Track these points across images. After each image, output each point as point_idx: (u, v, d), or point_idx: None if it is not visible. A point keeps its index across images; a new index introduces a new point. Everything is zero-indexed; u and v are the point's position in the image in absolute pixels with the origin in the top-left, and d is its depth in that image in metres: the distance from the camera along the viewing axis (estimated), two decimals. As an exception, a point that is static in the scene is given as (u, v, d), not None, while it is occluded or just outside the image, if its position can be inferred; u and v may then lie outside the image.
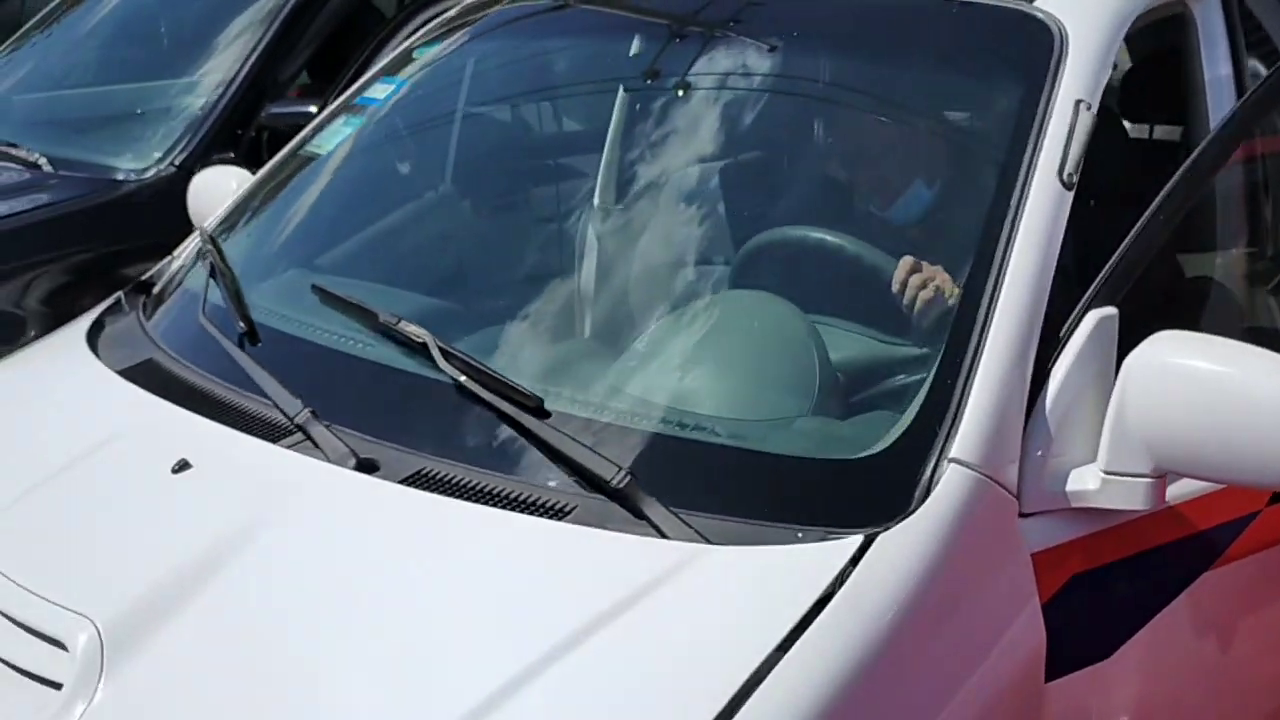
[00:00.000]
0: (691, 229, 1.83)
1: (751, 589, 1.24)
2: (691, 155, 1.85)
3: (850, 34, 1.92)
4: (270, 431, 1.56)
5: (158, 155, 3.15)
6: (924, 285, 1.68)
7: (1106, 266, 1.49)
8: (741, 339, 1.68)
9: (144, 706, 1.24)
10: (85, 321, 2.14)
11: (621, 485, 1.34)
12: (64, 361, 1.99)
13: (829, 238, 1.81)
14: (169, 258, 2.32)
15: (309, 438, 1.53)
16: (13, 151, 3.19)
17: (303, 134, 2.44)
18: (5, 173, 3.13)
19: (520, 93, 2.29)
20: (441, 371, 1.55)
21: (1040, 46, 1.65)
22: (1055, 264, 1.48)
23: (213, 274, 1.96)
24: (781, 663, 1.17)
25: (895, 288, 1.70)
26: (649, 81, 2.04)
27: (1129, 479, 1.40)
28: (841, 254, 1.82)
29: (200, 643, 1.28)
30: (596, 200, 2.09)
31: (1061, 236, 1.50)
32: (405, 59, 2.45)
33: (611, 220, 1.98)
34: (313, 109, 3.23)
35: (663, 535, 1.30)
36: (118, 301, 2.20)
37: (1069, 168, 1.54)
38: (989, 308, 1.44)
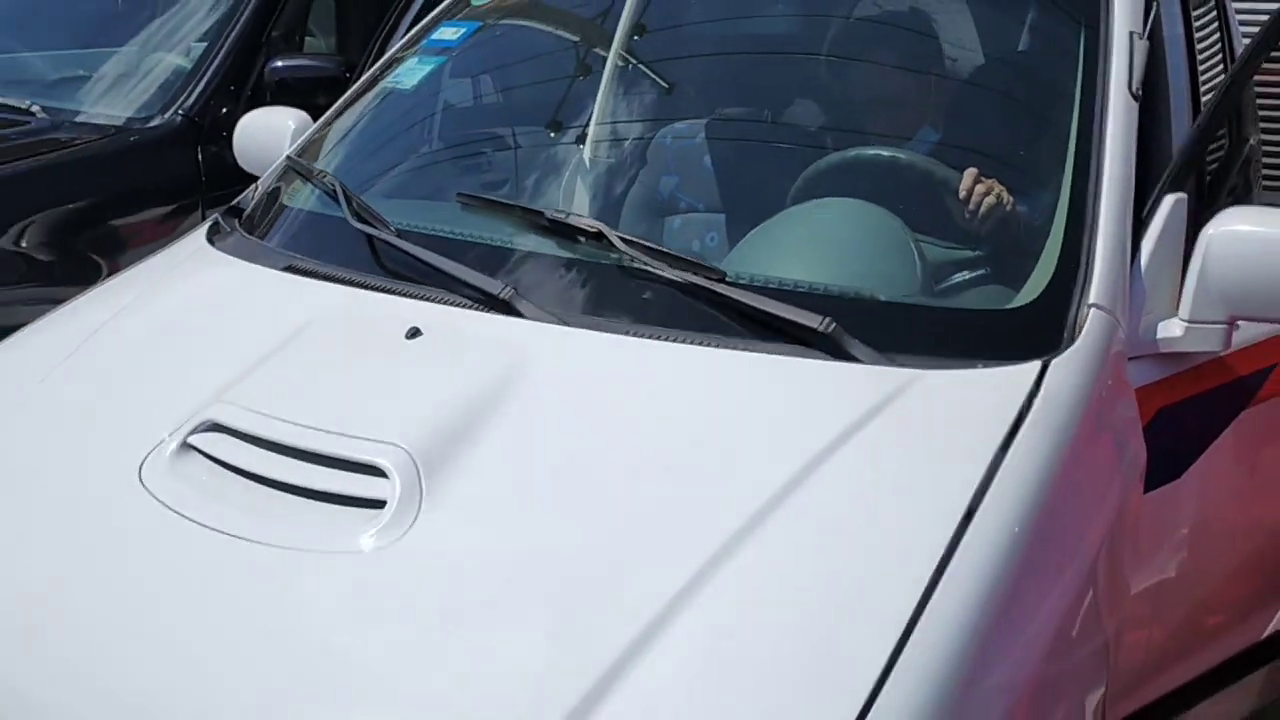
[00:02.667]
0: (802, 139, 2.11)
1: (965, 405, 1.51)
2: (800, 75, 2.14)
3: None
4: (480, 306, 1.73)
5: (160, 106, 3.21)
6: (989, 192, 2.00)
7: (1174, 161, 1.85)
8: (854, 224, 1.95)
9: (465, 516, 1.42)
10: (195, 242, 2.23)
11: (829, 330, 1.59)
12: (198, 272, 2.09)
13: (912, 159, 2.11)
14: (253, 186, 2.43)
15: (516, 311, 1.72)
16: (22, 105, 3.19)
17: (370, 73, 2.58)
18: (19, 125, 3.13)
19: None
20: (621, 253, 1.76)
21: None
22: (1135, 157, 1.82)
23: (332, 190, 2.10)
24: (1004, 461, 1.44)
25: (962, 195, 2.01)
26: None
27: (1206, 326, 1.75)
28: (914, 169, 2.13)
29: (501, 464, 1.46)
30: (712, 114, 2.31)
31: (1136, 137, 1.85)
32: (463, 4, 2.64)
33: (726, 132, 2.23)
34: (317, 63, 3.35)
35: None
36: (215, 224, 2.30)
37: (1135, 85, 1.89)
38: (1096, 192, 1.76)
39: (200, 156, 3.15)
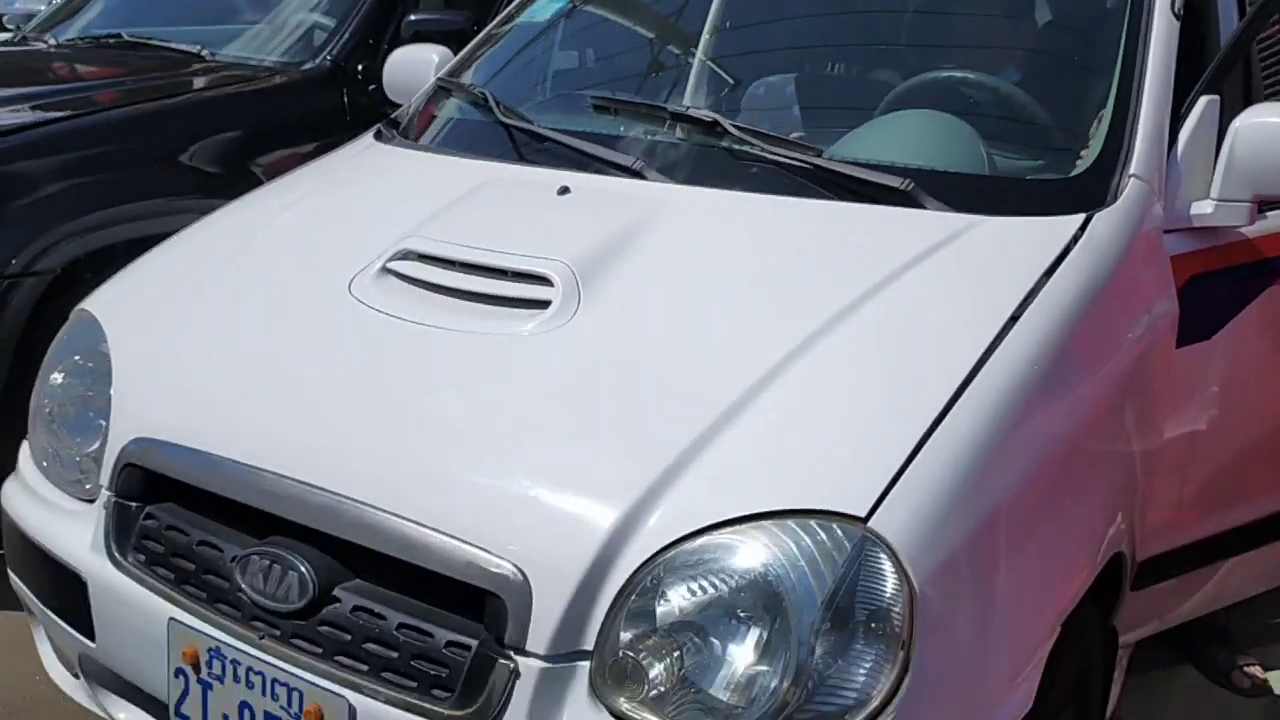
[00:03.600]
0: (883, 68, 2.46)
1: (1016, 243, 1.85)
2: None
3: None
4: (617, 173, 2.10)
5: (311, 53, 3.65)
6: None
7: (1209, 68, 2.15)
8: (930, 128, 2.28)
9: (613, 313, 1.79)
10: (364, 142, 2.62)
11: (908, 189, 1.93)
12: (377, 157, 2.48)
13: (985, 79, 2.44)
14: (405, 106, 2.82)
15: (645, 177, 2.09)
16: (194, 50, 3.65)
17: (507, 10, 2.98)
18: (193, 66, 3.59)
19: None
20: (735, 138, 2.12)
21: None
22: (1175, 65, 2.13)
23: (482, 99, 2.48)
24: (1046, 286, 1.77)
25: None
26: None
27: (1234, 204, 2.05)
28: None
29: (639, 278, 1.84)
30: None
31: (1176, 49, 2.16)
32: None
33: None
34: (447, 17, 3.77)
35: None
36: (378, 132, 2.70)
37: (1177, 6, 2.20)
38: (1139, 93, 2.07)
39: (345, 97, 3.58)
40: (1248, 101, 2.29)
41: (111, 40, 3.86)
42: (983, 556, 1.49)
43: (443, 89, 2.73)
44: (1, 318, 2.79)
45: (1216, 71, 2.18)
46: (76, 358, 2.07)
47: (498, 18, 3.01)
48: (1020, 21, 2.45)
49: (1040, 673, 1.62)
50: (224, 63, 3.61)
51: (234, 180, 3.27)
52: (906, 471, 1.45)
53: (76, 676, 2.08)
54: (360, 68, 3.63)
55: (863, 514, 1.41)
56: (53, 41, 3.97)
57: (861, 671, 1.38)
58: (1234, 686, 2.95)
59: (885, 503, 1.42)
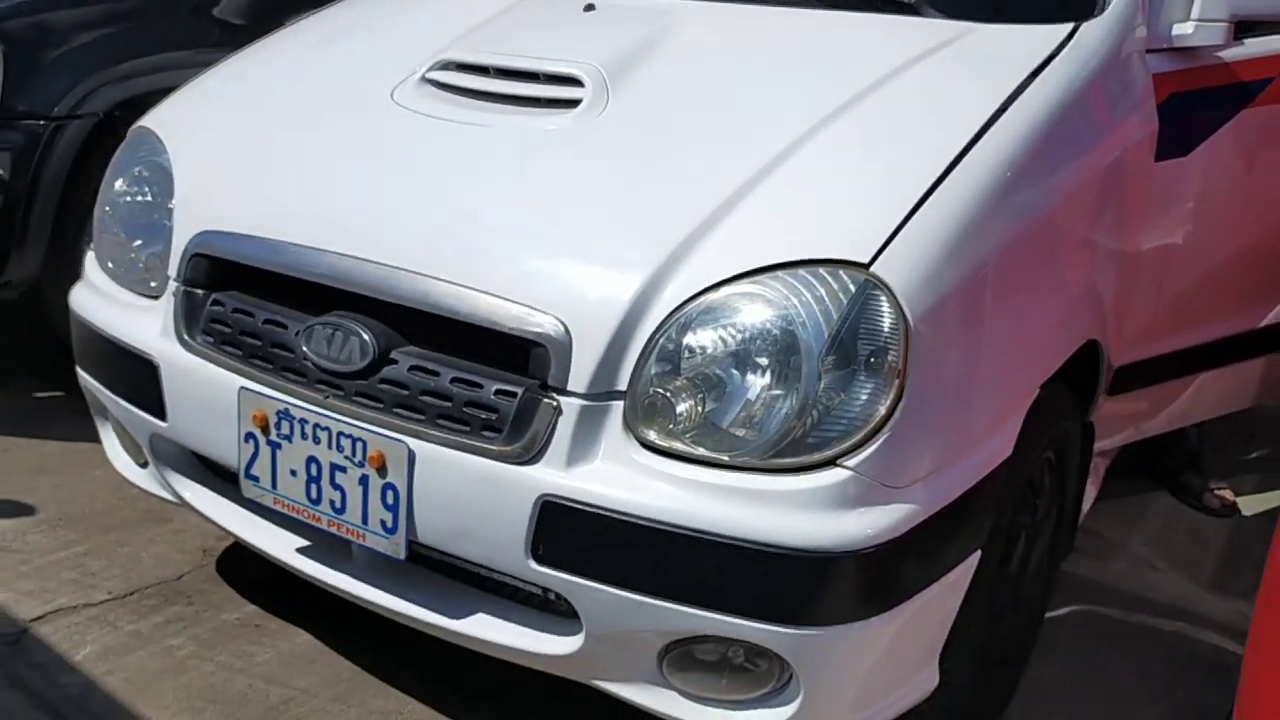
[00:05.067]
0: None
1: (1009, 45, 2.01)
2: None
3: None
4: (638, -2, 2.26)
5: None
6: None
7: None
8: None
9: (641, 107, 1.96)
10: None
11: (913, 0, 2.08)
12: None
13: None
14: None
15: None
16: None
17: None
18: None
19: None
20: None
21: None
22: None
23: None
24: (1035, 81, 1.92)
25: None
26: None
27: (1212, 24, 2.20)
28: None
29: (665, 77, 2.01)
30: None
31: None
32: None
33: None
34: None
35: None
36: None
37: None
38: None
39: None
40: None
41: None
42: (972, 304, 1.67)
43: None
44: (50, 157, 2.95)
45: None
46: (137, 169, 2.23)
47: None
48: None
49: (1018, 426, 1.81)
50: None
51: (258, 33, 3.39)
52: (905, 227, 1.63)
53: (143, 466, 2.28)
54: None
55: (866, 260, 1.60)
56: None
57: (861, 398, 1.58)
58: (1205, 508, 3.18)
59: (886, 252, 1.60)
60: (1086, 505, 2.51)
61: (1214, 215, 2.43)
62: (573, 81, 1.99)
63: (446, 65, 2.11)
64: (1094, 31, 2.05)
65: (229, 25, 3.37)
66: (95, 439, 2.42)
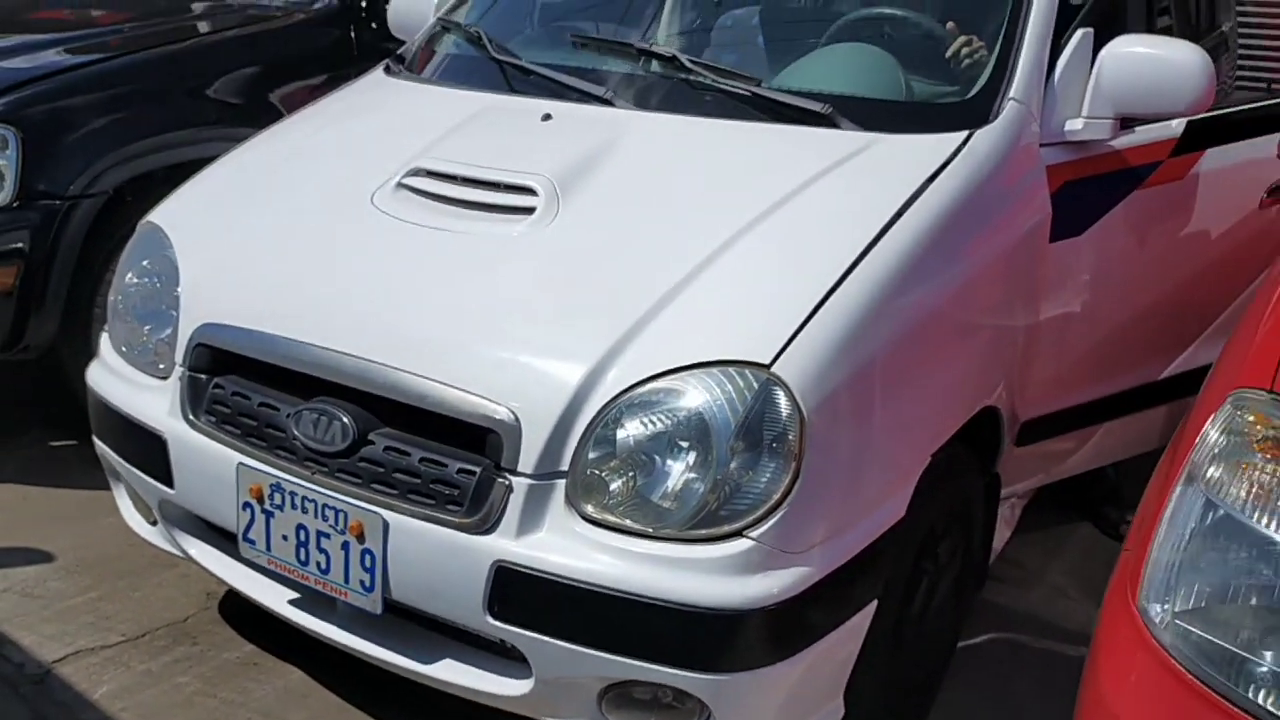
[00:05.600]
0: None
1: (908, 154, 2.30)
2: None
3: None
4: (591, 102, 2.53)
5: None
6: (974, 50, 2.70)
7: (1086, 5, 2.54)
8: (858, 60, 2.69)
9: (587, 218, 2.24)
10: (376, 76, 3.03)
11: (827, 112, 2.36)
12: (389, 90, 2.90)
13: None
14: (410, 42, 3.22)
15: (615, 105, 2.51)
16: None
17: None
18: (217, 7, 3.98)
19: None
20: (691, 71, 2.54)
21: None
22: (1057, 3, 2.53)
23: (477, 37, 2.89)
24: (930, 186, 2.21)
25: (950, 53, 2.73)
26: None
27: (1099, 120, 2.48)
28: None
29: (609, 189, 2.29)
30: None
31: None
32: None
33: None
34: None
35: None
36: (386, 67, 3.10)
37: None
38: (1024, 29, 2.48)
39: (352, 33, 3.97)
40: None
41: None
42: (861, 393, 1.95)
43: (443, 27, 3.13)
44: (65, 232, 3.24)
45: (1094, 6, 2.59)
46: (145, 262, 2.51)
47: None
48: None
49: (910, 491, 2.09)
50: (243, 3, 4.00)
51: (254, 111, 3.69)
52: (802, 331, 1.91)
53: (153, 524, 2.56)
54: (364, 5, 4.03)
55: (767, 361, 1.88)
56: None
57: (764, 478, 1.86)
58: (1122, 538, 3.43)
59: (785, 353, 1.89)
60: (1000, 543, 2.79)
61: (1105, 284, 2.71)
62: (528, 191, 2.27)
63: (418, 172, 2.40)
64: (986, 137, 2.33)
65: (224, 104, 3.66)
66: (106, 486, 2.71)
